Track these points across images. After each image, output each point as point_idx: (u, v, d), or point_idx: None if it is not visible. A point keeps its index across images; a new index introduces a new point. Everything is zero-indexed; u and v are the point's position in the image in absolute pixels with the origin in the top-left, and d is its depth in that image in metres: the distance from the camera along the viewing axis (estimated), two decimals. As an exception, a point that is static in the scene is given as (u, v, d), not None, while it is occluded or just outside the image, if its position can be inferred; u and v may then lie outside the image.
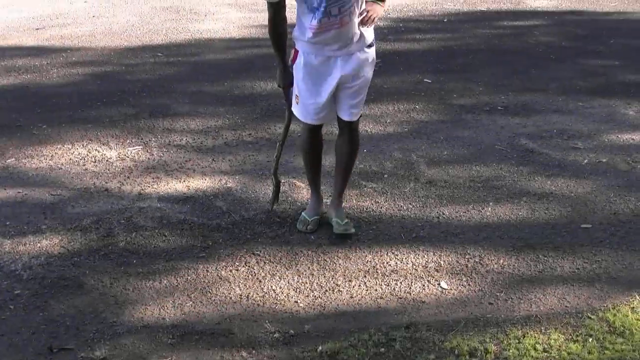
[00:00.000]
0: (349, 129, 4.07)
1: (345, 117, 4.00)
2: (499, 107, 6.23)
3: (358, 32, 3.73)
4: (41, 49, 7.95)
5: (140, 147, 5.30)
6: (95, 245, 4.00)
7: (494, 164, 5.07)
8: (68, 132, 5.59)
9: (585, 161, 5.15)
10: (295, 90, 3.92)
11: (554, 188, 4.72)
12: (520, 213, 4.39)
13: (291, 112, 4.03)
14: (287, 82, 3.93)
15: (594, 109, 6.23)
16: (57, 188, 4.66)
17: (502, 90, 6.66)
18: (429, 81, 6.85)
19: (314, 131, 4.06)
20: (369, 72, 3.92)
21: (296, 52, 3.84)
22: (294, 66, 3.87)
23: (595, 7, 10.49)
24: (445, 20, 9.43)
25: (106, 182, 4.73)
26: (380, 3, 3.80)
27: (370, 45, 3.86)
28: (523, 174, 4.92)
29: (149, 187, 4.67)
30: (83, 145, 5.33)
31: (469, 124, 5.84)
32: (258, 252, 3.95)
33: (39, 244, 4.01)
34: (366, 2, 3.74)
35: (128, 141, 5.41)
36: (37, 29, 8.90)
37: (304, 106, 3.91)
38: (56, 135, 5.52)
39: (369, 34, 3.84)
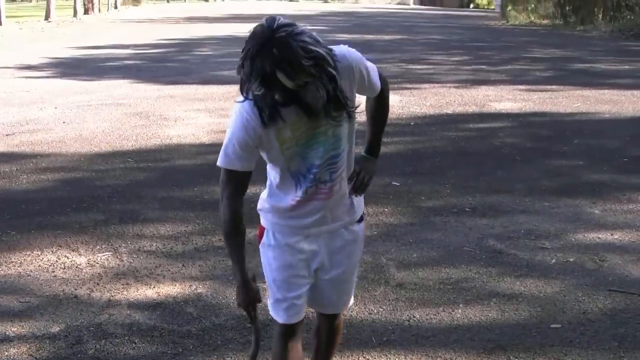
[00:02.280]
0: (334, 320, 3.23)
1: (329, 311, 3.17)
2: (467, 209, 6.31)
3: (347, 202, 2.93)
4: (11, 155, 7.99)
5: (110, 253, 5.29)
6: (64, 354, 3.95)
7: (463, 266, 5.11)
8: (37, 238, 5.58)
9: (553, 261, 5.21)
10: (266, 277, 2.98)
11: (523, 288, 4.76)
12: (490, 314, 4.41)
13: (259, 338, 3.02)
14: (252, 299, 2.89)
15: (560, 208, 6.33)
16: (26, 295, 4.62)
17: (470, 191, 6.76)
18: (397, 184, 6.94)
19: (290, 337, 2.99)
20: (358, 254, 3.08)
21: (262, 228, 2.96)
22: (260, 247, 2.97)
23: (558, 109, 10.77)
24: (412, 123, 9.63)
25: (75, 289, 4.70)
26: (371, 158, 3.09)
27: (360, 220, 3.02)
28: (492, 275, 4.96)
29: (118, 293, 4.65)
30: (52, 251, 5.31)
31: (437, 226, 5.90)
32: (229, 359, 3.91)
33: (6, 352, 3.95)
34: (360, 160, 3.04)
35: (98, 247, 5.40)
36: (7, 135, 8.95)
37: (274, 300, 2.97)
38: (25, 242, 5.50)
39: (360, 203, 3.02)
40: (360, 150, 3.06)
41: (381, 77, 2.94)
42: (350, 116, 2.73)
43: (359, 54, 2.80)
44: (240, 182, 2.75)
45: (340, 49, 2.71)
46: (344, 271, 3.00)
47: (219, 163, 2.73)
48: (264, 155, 2.76)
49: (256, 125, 2.63)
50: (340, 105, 2.65)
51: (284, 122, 2.61)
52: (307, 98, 2.52)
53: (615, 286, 4.77)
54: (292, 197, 2.82)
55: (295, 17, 47.03)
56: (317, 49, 2.44)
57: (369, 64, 2.85)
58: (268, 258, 2.94)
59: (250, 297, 2.87)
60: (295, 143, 2.69)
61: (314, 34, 2.49)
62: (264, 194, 2.94)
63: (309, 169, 2.75)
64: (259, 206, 2.95)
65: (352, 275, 3.08)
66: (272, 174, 2.86)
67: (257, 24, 2.45)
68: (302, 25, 2.48)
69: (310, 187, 2.78)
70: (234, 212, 2.76)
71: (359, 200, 3.00)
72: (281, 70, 2.39)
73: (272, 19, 2.46)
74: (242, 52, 2.44)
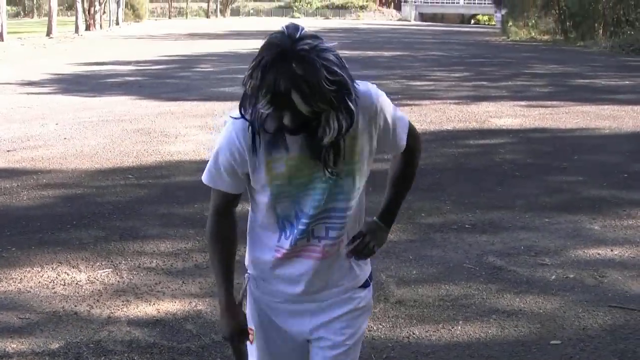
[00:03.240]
0: None
1: None
2: (467, 225, 6.32)
3: (346, 263, 2.40)
4: (12, 171, 8.00)
5: (110, 269, 5.30)
6: (63, 371, 3.95)
7: (462, 282, 5.11)
8: (38, 254, 5.58)
9: (553, 277, 5.20)
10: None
11: (523, 305, 4.75)
12: (490, 331, 4.41)
13: None
14: (238, 329, 2.42)
15: (560, 224, 6.34)
16: (26, 311, 4.62)
17: (470, 208, 6.77)
18: (397, 200, 6.94)
19: None
20: (361, 326, 2.47)
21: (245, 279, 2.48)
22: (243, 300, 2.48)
23: (558, 125, 10.80)
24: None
25: (75, 306, 4.70)
26: (383, 226, 2.54)
27: (365, 285, 2.47)
28: (492, 292, 4.96)
29: (118, 310, 4.65)
30: (52, 268, 5.32)
31: (437, 243, 5.91)
32: (228, 375, 3.91)
33: (5, 371, 3.94)
34: (370, 226, 2.50)
35: (98, 264, 5.40)
36: (8, 151, 8.97)
37: None
38: (25, 258, 5.51)
39: (365, 265, 2.48)
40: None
41: (412, 133, 2.41)
42: (353, 175, 2.26)
43: (387, 97, 2.29)
44: (225, 201, 2.38)
45: (365, 85, 2.24)
46: (343, 345, 2.40)
47: (203, 179, 2.36)
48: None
49: (243, 150, 2.21)
50: (339, 155, 2.18)
51: (286, 151, 2.19)
52: (319, 130, 2.08)
53: (615, 302, 4.76)
54: (275, 246, 2.34)
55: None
56: (342, 73, 2.02)
57: (399, 113, 2.36)
58: (248, 313, 2.47)
59: (235, 325, 2.41)
60: (288, 181, 2.24)
61: (339, 54, 2.06)
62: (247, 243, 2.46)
63: (299, 216, 2.29)
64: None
65: (356, 347, 2.46)
66: (257, 215, 2.39)
67: (275, 31, 2.07)
68: (330, 43, 2.06)
69: (300, 238, 2.29)
70: (219, 227, 2.42)
71: (363, 261, 2.47)
72: (298, 90, 1.96)
73: (294, 27, 2.04)
74: (254, 61, 2.02)
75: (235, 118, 2.21)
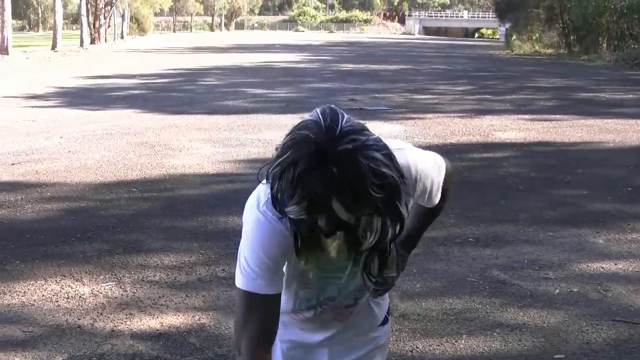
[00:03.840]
0: None
1: None
2: (470, 239, 6.31)
3: (365, 306, 2.25)
4: (16, 184, 8.02)
5: (114, 283, 5.30)
6: (66, 384, 3.94)
7: (466, 296, 5.10)
8: (41, 267, 5.58)
9: (557, 291, 5.19)
10: None
11: (527, 319, 4.74)
12: (493, 345, 4.40)
13: None
14: None
15: (564, 238, 6.33)
16: (29, 325, 4.62)
17: (473, 221, 6.77)
18: (401, 213, 6.94)
19: None
20: None
21: None
22: None
23: (562, 138, 10.80)
24: (415, 153, 9.64)
25: (79, 319, 4.70)
26: (404, 253, 2.42)
27: (384, 322, 2.34)
28: (495, 306, 4.95)
29: (121, 323, 4.65)
30: (56, 281, 5.32)
31: (440, 257, 5.90)
32: (232, 389, 3.91)
33: (8, 384, 3.94)
34: None
35: (101, 277, 5.40)
36: (12, 164, 8.99)
37: None
38: (29, 271, 5.51)
39: (383, 304, 2.33)
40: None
41: (446, 176, 2.19)
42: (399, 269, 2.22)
43: (430, 159, 2.12)
44: (269, 308, 1.93)
45: (404, 158, 1.95)
46: None
47: (239, 285, 1.93)
48: None
49: (289, 239, 1.89)
50: (385, 264, 1.97)
51: (322, 252, 1.96)
52: (359, 231, 1.84)
53: (619, 316, 4.75)
54: (295, 311, 2.15)
55: (301, 47, 47.29)
56: (392, 174, 1.68)
57: (435, 172, 2.13)
58: None
59: None
60: (317, 273, 2.04)
61: (386, 143, 1.74)
62: None
63: (321, 301, 2.12)
64: None
65: None
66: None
67: (307, 118, 1.73)
68: (375, 134, 1.73)
69: (322, 311, 2.14)
70: (264, 331, 1.93)
71: (381, 297, 2.31)
72: (339, 198, 1.66)
73: (333, 115, 1.70)
74: (282, 156, 1.68)
75: (262, 207, 1.89)
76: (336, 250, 1.96)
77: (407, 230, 2.23)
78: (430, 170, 2.09)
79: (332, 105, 1.74)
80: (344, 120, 1.69)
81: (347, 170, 1.64)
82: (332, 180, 1.64)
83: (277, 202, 1.79)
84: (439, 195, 2.18)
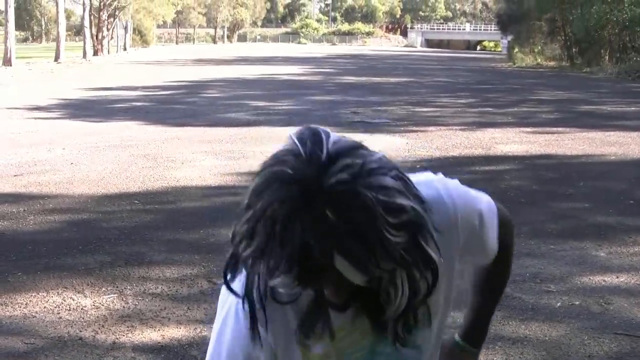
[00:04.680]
0: None
1: None
2: (472, 252, 6.30)
3: None
4: (18, 196, 8.02)
5: (116, 295, 5.30)
6: (67, 397, 3.94)
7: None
8: (43, 279, 5.59)
9: (559, 304, 5.19)
10: None
11: (528, 332, 4.74)
12: (495, 358, 4.39)
13: None
14: None
15: (565, 251, 6.33)
16: (31, 337, 4.62)
17: (475, 234, 6.75)
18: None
19: None
20: None
21: None
22: None
23: (564, 151, 10.81)
24: (418, 166, 9.65)
25: (80, 331, 4.70)
26: (470, 349, 1.84)
27: None
28: (497, 319, 4.94)
29: (123, 336, 4.65)
30: (58, 293, 5.32)
31: (442, 269, 5.88)
32: (233, 402, 3.89)
33: (10, 396, 3.94)
34: (448, 349, 1.81)
35: (103, 289, 5.40)
36: (15, 176, 9.00)
37: None
38: (31, 283, 5.51)
39: None
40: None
41: (502, 222, 1.61)
42: (426, 343, 1.50)
43: (463, 189, 1.50)
44: None
45: (431, 186, 1.43)
46: None
47: None
48: None
49: (251, 341, 1.40)
50: (416, 321, 1.37)
51: (331, 339, 1.39)
52: (381, 294, 1.28)
53: (621, 329, 4.74)
54: None
55: (303, 59, 47.43)
56: (411, 204, 1.18)
57: (484, 205, 1.54)
58: None
59: None
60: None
61: (396, 163, 1.22)
62: None
63: None
64: None
65: None
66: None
67: (279, 149, 1.25)
68: (377, 154, 1.22)
69: None
70: None
71: None
72: (343, 253, 1.15)
73: (314, 139, 1.21)
74: (248, 211, 1.21)
75: (236, 295, 1.38)
76: (356, 328, 1.42)
77: (470, 316, 1.85)
78: (475, 202, 1.52)
79: (311, 125, 1.25)
80: (330, 142, 1.20)
81: (346, 210, 1.13)
82: (327, 228, 1.13)
83: (237, 263, 1.28)
84: (496, 240, 1.59)
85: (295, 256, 1.14)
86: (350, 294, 1.28)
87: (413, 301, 1.29)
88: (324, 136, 1.21)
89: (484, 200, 1.55)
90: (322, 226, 1.13)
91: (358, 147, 1.21)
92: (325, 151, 1.17)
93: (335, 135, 1.22)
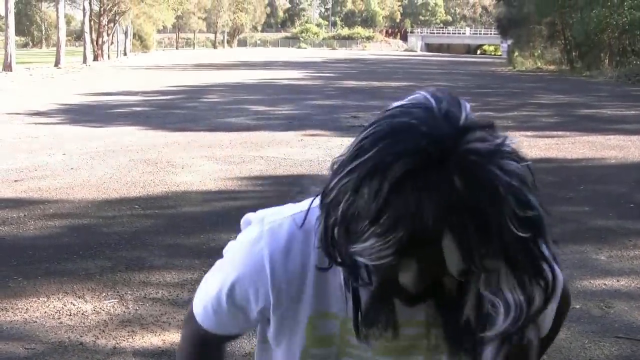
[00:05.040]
0: None
1: None
2: (473, 256, 6.30)
3: None
4: (19, 201, 8.02)
5: (116, 300, 5.30)
6: (68, 402, 3.94)
7: (468, 313, 5.08)
8: (44, 284, 5.58)
9: (559, 308, 5.18)
10: None
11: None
12: (496, 362, 4.38)
13: None
14: None
15: (566, 255, 6.32)
16: (32, 342, 4.62)
17: (475, 238, 6.75)
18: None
19: None
20: None
21: None
22: None
23: (564, 155, 10.81)
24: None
25: (81, 336, 4.70)
26: None
27: None
28: (498, 323, 4.94)
29: (124, 340, 4.64)
30: (59, 298, 5.32)
31: (443, 273, 5.89)
32: (234, 407, 3.90)
33: (10, 401, 3.94)
34: None
35: (104, 294, 5.40)
36: (15, 181, 9.00)
37: None
38: (32, 288, 5.51)
39: None
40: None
41: (563, 300, 1.44)
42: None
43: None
44: (210, 345, 1.51)
45: None
46: None
47: (197, 316, 1.45)
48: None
49: (287, 285, 1.26)
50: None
51: (394, 334, 1.22)
52: (465, 302, 1.12)
53: (622, 333, 4.75)
54: None
55: (303, 64, 47.44)
56: (537, 205, 1.06)
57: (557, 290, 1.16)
58: None
59: None
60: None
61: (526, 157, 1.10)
62: None
63: None
64: None
65: None
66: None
67: (401, 103, 1.14)
68: (513, 138, 1.09)
69: None
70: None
71: None
72: (457, 233, 0.99)
73: (450, 100, 1.09)
74: (355, 159, 1.05)
75: (273, 226, 1.28)
76: (422, 330, 1.25)
77: None
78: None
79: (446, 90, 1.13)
80: (468, 108, 1.09)
81: (475, 183, 0.99)
82: (449, 197, 0.98)
83: (331, 241, 1.11)
84: (551, 321, 1.42)
85: (403, 221, 0.98)
86: (433, 285, 1.09)
87: (528, 315, 1.06)
88: (462, 102, 1.10)
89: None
90: (445, 193, 0.98)
91: (493, 124, 1.08)
92: (464, 114, 1.06)
93: (466, 104, 1.10)
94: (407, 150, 1.00)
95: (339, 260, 1.10)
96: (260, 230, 1.27)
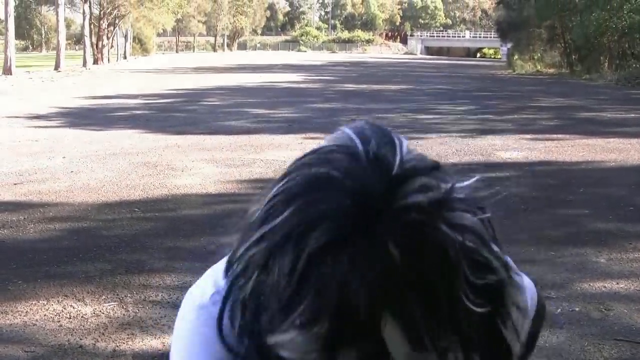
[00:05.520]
0: None
1: None
2: (472, 258, 6.30)
3: None
4: (19, 204, 8.02)
5: (116, 303, 5.30)
6: (67, 405, 3.94)
7: (468, 316, 5.08)
8: (44, 287, 5.58)
9: (559, 310, 5.18)
10: None
11: (529, 339, 4.73)
12: (495, 365, 4.38)
13: None
14: None
15: (565, 258, 6.32)
16: (31, 345, 4.62)
17: (475, 241, 6.75)
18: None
19: None
20: None
21: None
22: None
23: (564, 158, 10.81)
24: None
25: (81, 339, 4.70)
26: None
27: None
28: (497, 325, 4.93)
29: (123, 343, 4.64)
30: (58, 301, 5.32)
31: (442, 276, 5.88)
32: (233, 409, 3.89)
33: (10, 404, 3.94)
34: None
35: (104, 297, 5.40)
36: (15, 184, 9.00)
37: None
38: (31, 291, 5.51)
39: None
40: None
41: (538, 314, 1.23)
42: None
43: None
44: None
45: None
46: None
47: None
48: None
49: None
50: None
51: None
52: None
53: (622, 335, 4.74)
54: None
55: (303, 67, 47.46)
56: (498, 264, 0.88)
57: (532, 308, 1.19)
58: None
59: None
60: None
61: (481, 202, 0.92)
62: None
63: None
64: None
65: None
66: None
67: (324, 144, 0.90)
68: (463, 179, 0.90)
69: None
70: None
71: None
72: (399, 314, 0.79)
73: (381, 139, 0.87)
74: (265, 223, 0.84)
75: (202, 303, 1.10)
76: None
77: None
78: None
79: (374, 121, 0.93)
80: (404, 148, 0.87)
81: (417, 250, 0.78)
82: (384, 271, 0.77)
83: (240, 329, 0.91)
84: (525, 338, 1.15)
85: (328, 305, 0.77)
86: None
87: None
88: (396, 139, 0.87)
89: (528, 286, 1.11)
90: (378, 267, 0.77)
91: (438, 165, 0.87)
92: (398, 159, 0.83)
93: (407, 142, 0.89)
94: (327, 213, 0.78)
95: (256, 354, 0.88)
96: (194, 307, 1.12)
